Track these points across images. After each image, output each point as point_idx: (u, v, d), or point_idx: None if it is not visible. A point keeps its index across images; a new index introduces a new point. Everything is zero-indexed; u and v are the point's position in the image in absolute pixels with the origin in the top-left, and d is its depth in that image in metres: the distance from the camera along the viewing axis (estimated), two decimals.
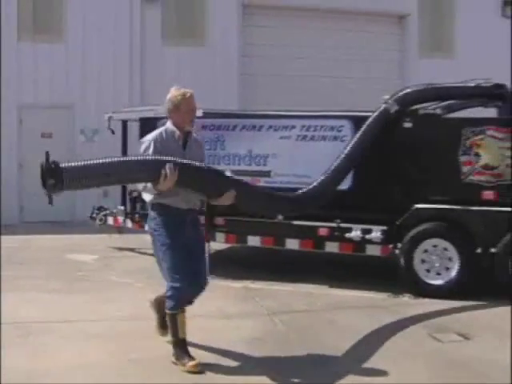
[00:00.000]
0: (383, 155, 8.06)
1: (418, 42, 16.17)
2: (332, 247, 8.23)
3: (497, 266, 7.48)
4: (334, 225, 8.11)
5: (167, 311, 5.16)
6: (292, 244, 8.46)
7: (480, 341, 6.09)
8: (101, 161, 4.81)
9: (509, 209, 7.47)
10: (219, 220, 8.69)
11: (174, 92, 5.22)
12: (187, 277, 5.02)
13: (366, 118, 8.04)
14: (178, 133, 5.17)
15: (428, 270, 7.71)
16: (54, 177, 4.59)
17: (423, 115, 8.18)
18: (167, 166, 4.78)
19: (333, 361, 5.47)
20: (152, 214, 5.21)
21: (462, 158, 7.75)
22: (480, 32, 15.93)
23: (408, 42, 16.15)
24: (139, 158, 5.04)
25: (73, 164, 4.70)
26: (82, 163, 4.74)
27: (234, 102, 14.20)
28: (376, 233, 7.90)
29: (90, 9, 14.17)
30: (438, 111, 8.31)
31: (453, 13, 16.38)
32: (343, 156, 7.73)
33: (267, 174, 8.35)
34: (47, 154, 4.61)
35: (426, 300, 7.53)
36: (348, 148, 7.80)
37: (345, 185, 7.96)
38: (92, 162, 4.77)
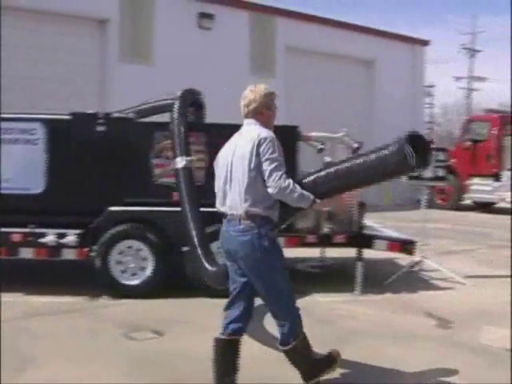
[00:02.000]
0: (77, 157, 8.05)
1: (118, 47, 16.19)
2: (26, 253, 7.95)
3: (187, 263, 7.84)
4: (27, 230, 7.89)
5: (293, 343, 4.61)
6: None
7: (173, 336, 6.37)
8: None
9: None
10: None
11: (267, 88, 4.67)
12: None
13: (60, 120, 8.01)
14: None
15: (123, 271, 7.83)
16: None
17: (116, 119, 8.32)
18: None
19: (30, 369, 5.35)
20: (262, 230, 4.45)
21: (155, 161, 8.02)
22: (177, 41, 16.56)
23: (108, 47, 16.12)
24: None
25: None
26: None
27: None
28: (71, 236, 7.81)
29: None
30: (131, 115, 8.51)
31: (152, 21, 16.72)
32: None
33: None
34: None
35: (124, 300, 7.65)
36: None
37: (38, 188, 7.86)
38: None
